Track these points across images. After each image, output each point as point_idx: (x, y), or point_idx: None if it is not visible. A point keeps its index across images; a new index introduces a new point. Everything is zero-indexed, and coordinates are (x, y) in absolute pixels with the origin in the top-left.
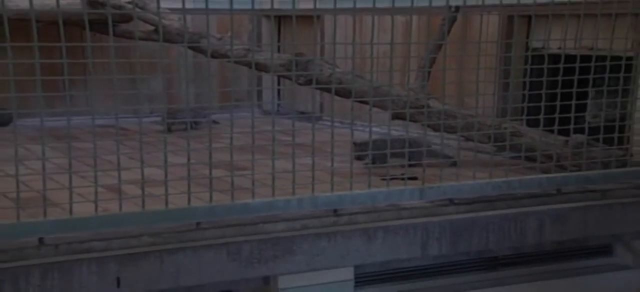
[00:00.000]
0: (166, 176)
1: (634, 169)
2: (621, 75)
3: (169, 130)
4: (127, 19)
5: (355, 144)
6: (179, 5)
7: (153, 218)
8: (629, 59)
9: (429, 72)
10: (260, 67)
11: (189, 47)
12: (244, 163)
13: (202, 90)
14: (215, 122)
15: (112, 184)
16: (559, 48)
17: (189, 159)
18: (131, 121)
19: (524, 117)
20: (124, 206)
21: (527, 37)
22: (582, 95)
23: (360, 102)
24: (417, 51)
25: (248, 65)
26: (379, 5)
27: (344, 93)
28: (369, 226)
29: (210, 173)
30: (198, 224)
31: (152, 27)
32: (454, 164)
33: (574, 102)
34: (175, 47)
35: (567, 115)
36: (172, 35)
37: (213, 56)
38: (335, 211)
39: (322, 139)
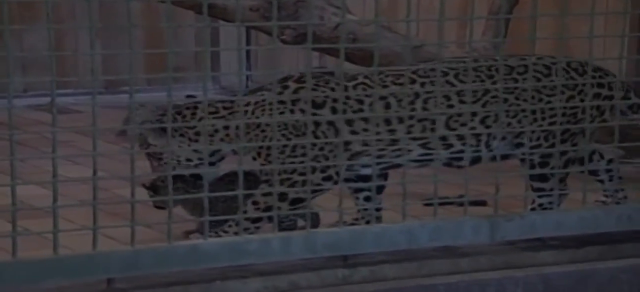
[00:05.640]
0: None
1: None
2: None
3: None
4: None
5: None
6: None
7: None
8: None
9: (507, 22)
10: (217, 13)
11: None
12: None
13: (115, 52)
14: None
15: None
16: None
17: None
18: None
19: None
20: None
21: None
22: None
23: None
24: None
25: (196, 9)
26: None
27: (362, 57)
28: (404, 284)
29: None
30: (110, 281)
31: None
32: None
33: None
34: None
35: None
36: None
37: None
38: (344, 258)
39: None
